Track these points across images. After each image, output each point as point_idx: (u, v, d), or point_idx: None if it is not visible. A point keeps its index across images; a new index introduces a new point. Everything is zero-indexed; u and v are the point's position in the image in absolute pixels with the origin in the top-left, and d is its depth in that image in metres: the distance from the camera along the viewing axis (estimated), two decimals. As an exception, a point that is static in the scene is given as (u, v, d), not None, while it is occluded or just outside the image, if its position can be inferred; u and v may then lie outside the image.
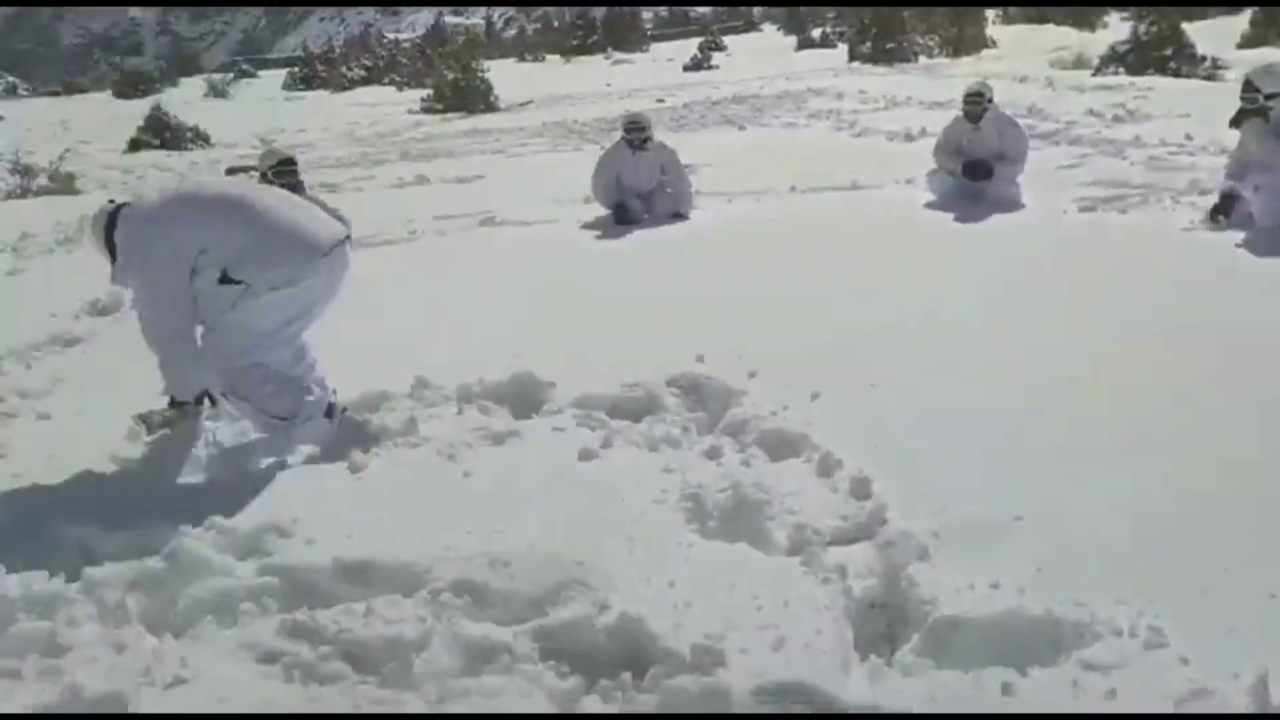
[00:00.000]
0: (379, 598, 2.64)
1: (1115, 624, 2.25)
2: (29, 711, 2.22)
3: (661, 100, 21.41)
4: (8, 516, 3.33)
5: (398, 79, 39.83)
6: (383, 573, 2.77)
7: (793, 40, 49.00)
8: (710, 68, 35.22)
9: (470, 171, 12.25)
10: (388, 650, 2.42)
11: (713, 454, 3.57)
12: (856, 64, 31.02)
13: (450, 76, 27.34)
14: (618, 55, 46.99)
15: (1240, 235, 6.16)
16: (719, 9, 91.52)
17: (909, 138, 11.93)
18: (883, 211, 7.96)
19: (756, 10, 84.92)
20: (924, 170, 8.44)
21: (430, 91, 27.87)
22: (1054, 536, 2.68)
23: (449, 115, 24.74)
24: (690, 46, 43.59)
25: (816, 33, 47.92)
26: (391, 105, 29.95)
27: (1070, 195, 7.89)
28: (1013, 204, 7.76)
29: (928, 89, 18.27)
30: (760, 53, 42.06)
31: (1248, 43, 25.95)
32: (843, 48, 37.21)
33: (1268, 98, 6.38)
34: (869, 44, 32.94)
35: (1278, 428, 3.36)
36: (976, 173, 7.90)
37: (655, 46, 55.34)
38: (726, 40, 49.99)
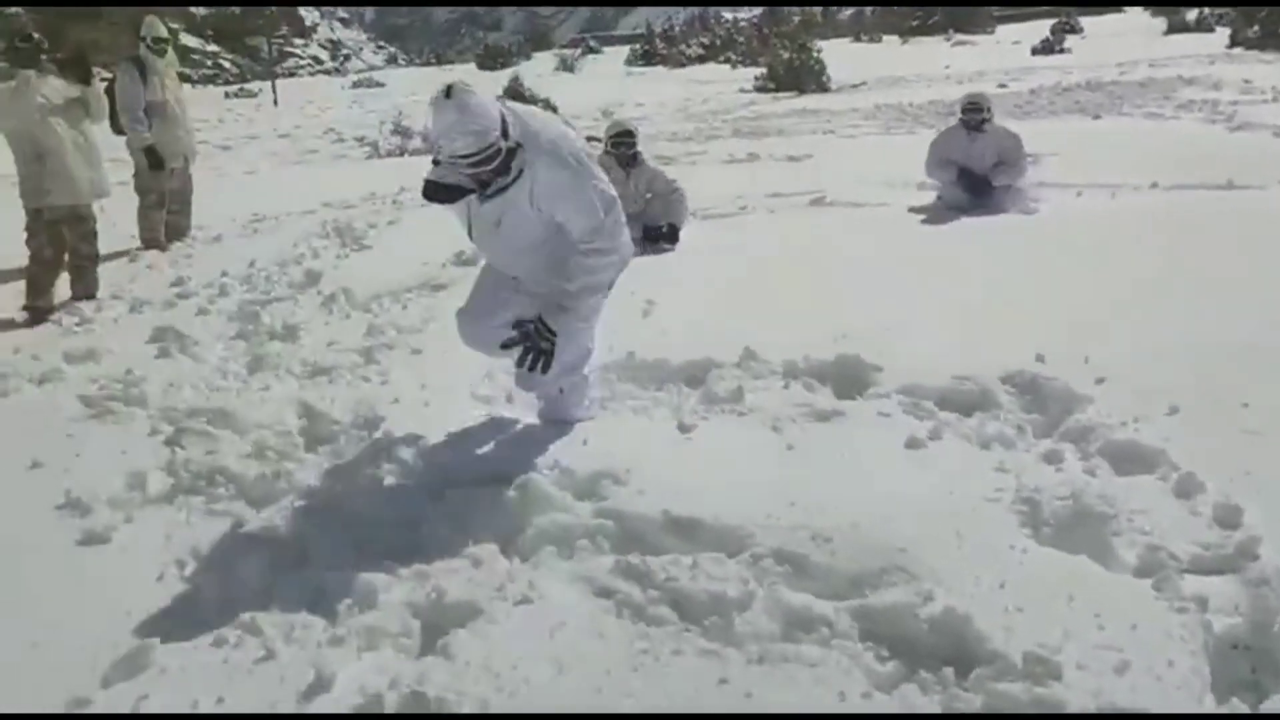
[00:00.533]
0: (704, 554, 2.74)
1: None
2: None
3: (1004, 85, 20.27)
4: (386, 438, 3.77)
5: (733, 57, 40.49)
6: (709, 531, 2.87)
7: (1162, 23, 44.48)
8: (1062, 51, 32.83)
9: (800, 151, 12.23)
10: (712, 604, 2.51)
11: (1051, 459, 3.36)
12: (1239, 50, 27.66)
13: (784, 56, 27.38)
14: (959, 37, 44.92)
15: None
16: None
17: (1303, 132, 10.52)
18: (1262, 213, 7.07)
19: (1121, -11, 77.88)
20: (1319, 170, 7.41)
21: (764, 70, 28.07)
22: None
23: (781, 94, 24.82)
24: (1042, 29, 40.78)
25: (1191, 15, 43.22)
26: (725, 83, 30.52)
27: None
28: None
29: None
30: (1122, 36, 38.63)
31: None
32: (1222, 32, 33.33)
33: None
34: (1256, 27, 29.26)
35: None
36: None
37: (1001, 29, 52.27)
38: (1084, 22, 46.25)
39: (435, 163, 3.34)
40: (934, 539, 2.76)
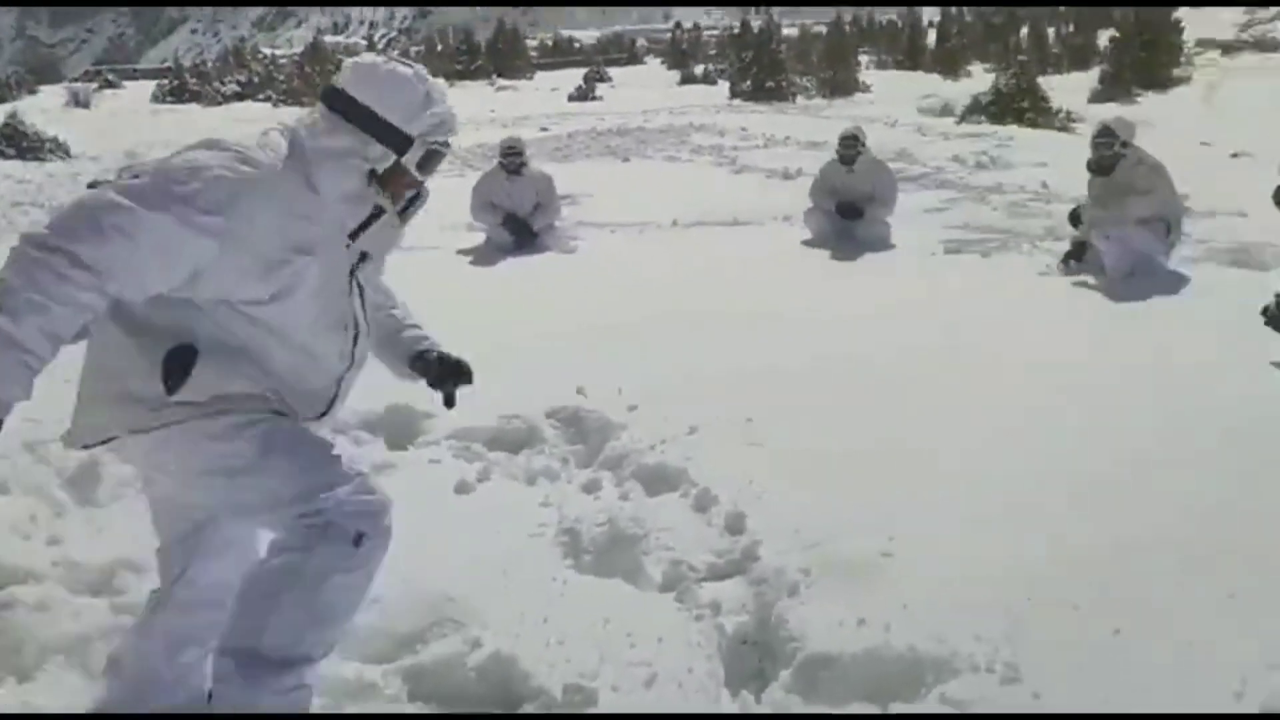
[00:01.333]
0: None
1: (974, 660, 2.33)
2: None
3: (545, 129, 21.48)
4: None
5: (274, 96, 38.84)
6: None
7: (676, 75, 49.90)
8: (595, 99, 35.52)
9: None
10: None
11: (590, 488, 3.57)
12: (737, 101, 31.75)
13: (329, 96, 26.75)
14: (502, 82, 46.97)
15: (1092, 280, 6.55)
16: (603, 39, 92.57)
17: (787, 176, 12.27)
18: (763, 248, 8.14)
19: (640, 43, 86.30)
20: (801, 208, 8.67)
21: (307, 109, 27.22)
22: (921, 572, 2.76)
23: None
24: (576, 76, 43.89)
25: (699, 69, 48.94)
26: (268, 121, 29.06)
27: (937, 237, 8.24)
28: (883, 244, 8.07)
29: (806, 129, 18.85)
30: (645, 86, 42.67)
31: (1096, 98, 27.69)
32: (724, 85, 38.07)
33: (1123, 145, 6.75)
34: (749, 82, 33.81)
35: (1140, 469, 3.51)
36: (849, 213, 8.18)
37: (541, 75, 55.55)
38: (612, 72, 50.50)
39: None
40: (482, 583, 2.80)
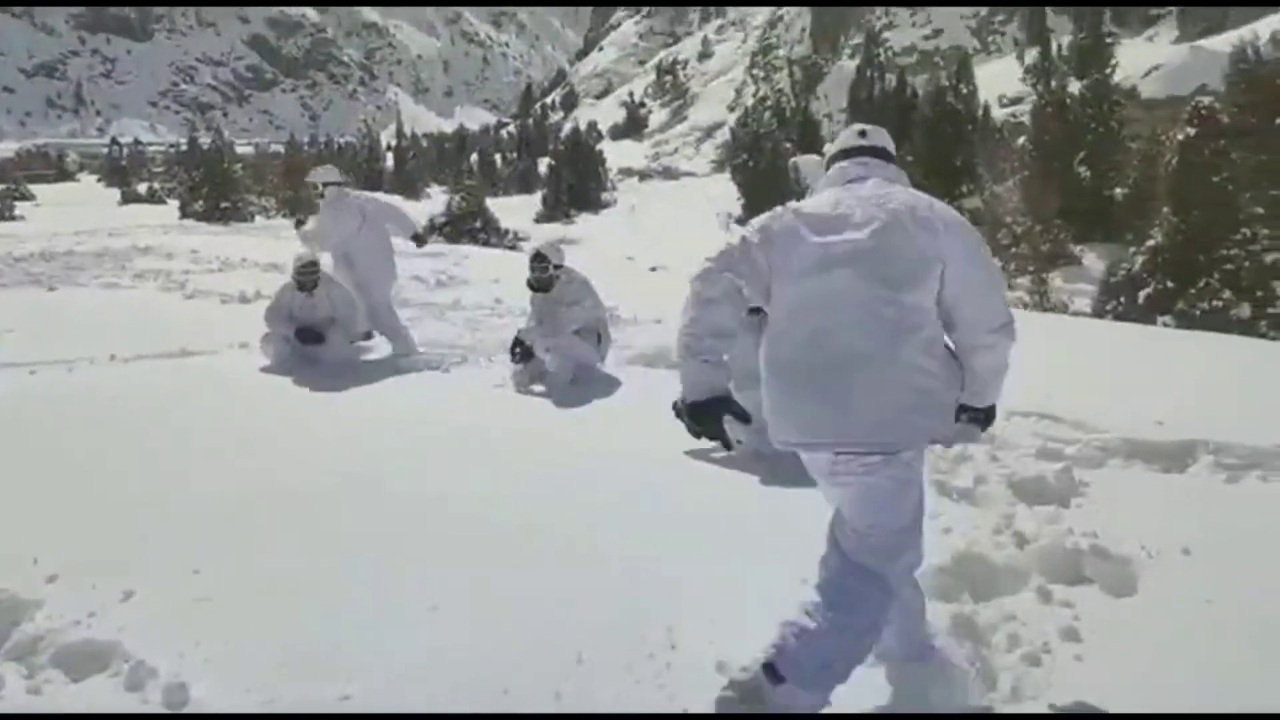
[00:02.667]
0: None
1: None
2: None
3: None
4: None
5: None
6: None
7: (116, 193, 45.84)
8: (14, 218, 31.28)
9: None
10: None
11: (-11, 687, 2.97)
12: (189, 221, 29.97)
13: None
14: (-115, 200, 39.46)
15: (539, 388, 7.09)
16: (23, 152, 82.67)
17: (245, 300, 11.73)
18: (213, 378, 7.63)
19: (72, 158, 78.25)
20: (259, 334, 8.31)
21: None
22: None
23: None
24: (-13, 194, 38.37)
25: (143, 187, 45.50)
26: None
27: (401, 355, 8.38)
28: (348, 365, 8.01)
29: (266, 250, 18.28)
30: (78, 205, 38.50)
31: (540, 218, 30.63)
32: (173, 204, 35.81)
33: (556, 268, 7.48)
34: (202, 202, 32.19)
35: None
36: (308, 337, 8.02)
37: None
38: (36, 190, 44.95)
39: None
40: None
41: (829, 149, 3.17)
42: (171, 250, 18.27)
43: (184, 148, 45.92)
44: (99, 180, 60.14)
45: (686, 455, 5.29)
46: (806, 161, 44.40)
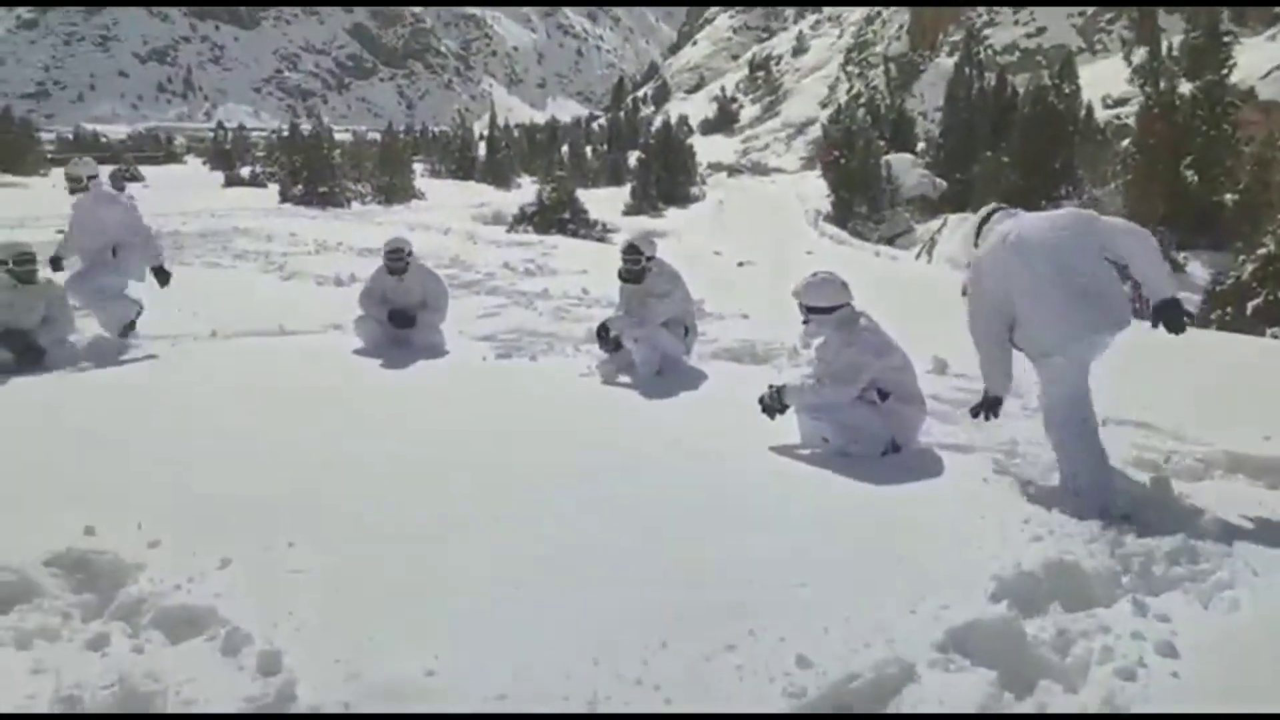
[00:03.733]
0: None
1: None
2: None
3: (61, 231, 19.18)
4: None
5: None
6: None
7: (220, 176, 47.38)
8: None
9: None
10: None
11: (97, 644, 3.11)
12: (288, 205, 30.83)
13: None
14: (8, 178, 41.43)
15: (626, 378, 7.11)
16: (135, 135, 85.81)
17: (339, 283, 12.04)
18: (310, 358, 7.84)
19: (179, 141, 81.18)
20: (352, 316, 8.51)
21: None
22: (469, 690, 2.73)
23: None
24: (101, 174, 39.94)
25: (246, 171, 46.94)
26: None
27: (489, 343, 8.50)
28: (437, 350, 8.15)
29: (359, 235, 18.74)
30: (184, 187, 39.92)
31: (629, 210, 30.70)
32: (274, 188, 36.86)
33: (648, 260, 7.49)
34: (300, 186, 33.05)
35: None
36: (400, 321, 8.18)
37: (57, 171, 49.82)
38: (146, 171, 46.75)
39: None
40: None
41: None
42: (271, 232, 18.86)
43: (285, 133, 47.23)
44: (204, 163, 62.20)
45: (772, 451, 5.25)
46: (899, 160, 43.65)
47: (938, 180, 43.87)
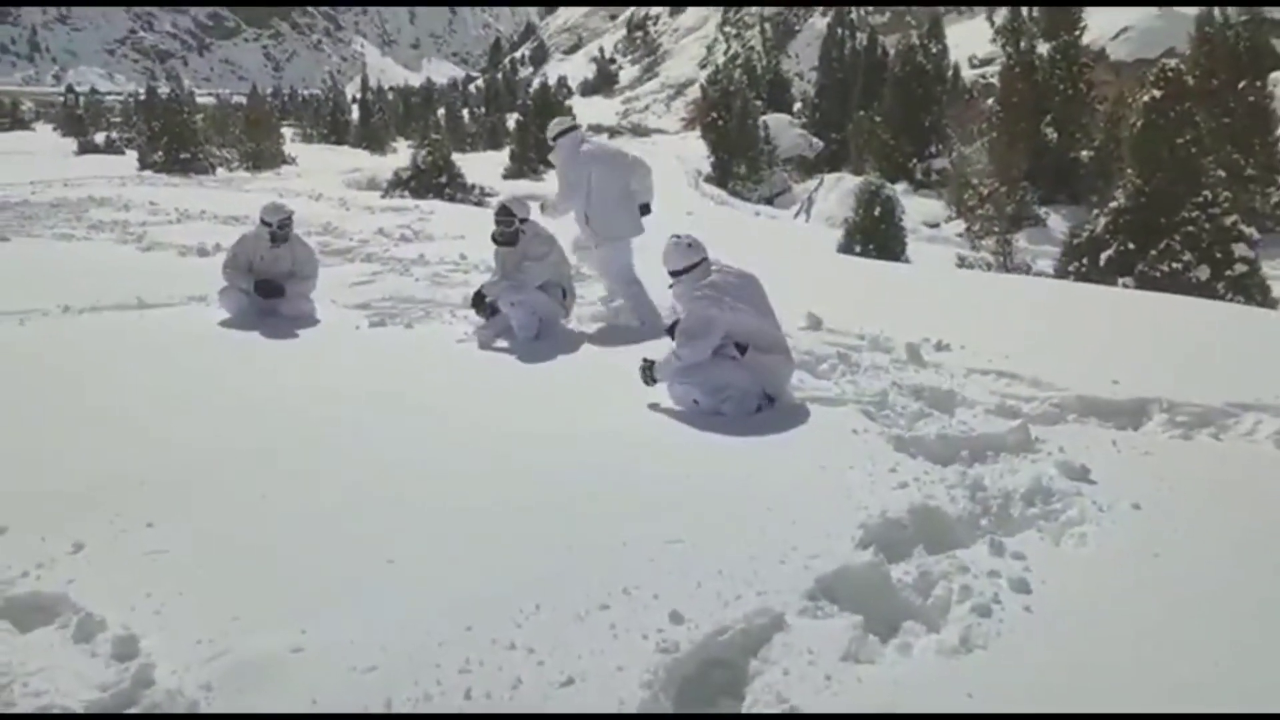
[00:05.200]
0: None
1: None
2: None
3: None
4: None
5: None
6: None
7: (73, 143, 44.72)
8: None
9: None
10: None
11: (-63, 640, 2.93)
12: (148, 173, 29.34)
13: None
14: None
15: (504, 343, 7.04)
16: None
17: (203, 253, 11.52)
18: (168, 331, 7.51)
19: (27, 106, 76.37)
20: (216, 287, 8.17)
21: None
22: (334, 662, 2.68)
23: None
24: (-63, 142, 37.30)
25: (101, 137, 44.43)
26: None
27: (363, 310, 8.28)
28: (308, 319, 7.91)
29: (224, 202, 17.97)
30: (34, 155, 37.53)
31: (509, 174, 30.28)
32: (132, 155, 35.02)
33: (522, 222, 7.40)
34: (161, 153, 31.49)
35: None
36: (269, 291, 7.90)
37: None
38: (-12, 138, 43.82)
39: None
40: None
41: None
42: (129, 201, 17.90)
43: (142, 97, 44.84)
44: (55, 129, 58.55)
45: (651, 409, 5.29)
46: (776, 121, 44.23)
47: (814, 140, 44.66)
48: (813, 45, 66.76)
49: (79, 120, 56.78)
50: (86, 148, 42.21)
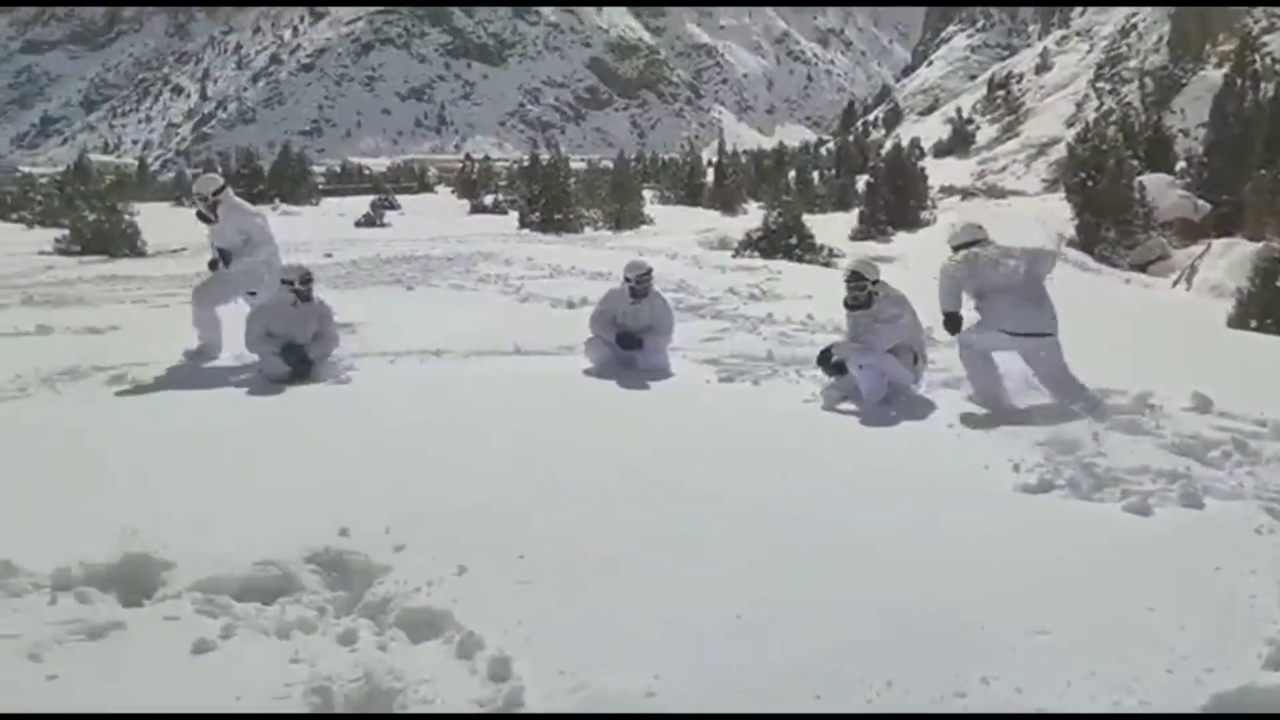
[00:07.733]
0: None
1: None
2: None
3: (329, 255, 21.04)
4: None
5: (28, 216, 36.15)
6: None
7: (465, 204, 50.44)
8: (383, 225, 35.24)
9: (104, 322, 11.20)
10: None
11: (347, 639, 3.34)
12: (526, 231, 32.34)
13: (90, 217, 25.21)
14: (285, 207, 45.87)
15: (851, 405, 6.95)
16: (393, 167, 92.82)
17: (571, 305, 12.47)
18: (544, 376, 8.16)
19: (432, 172, 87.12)
20: (583, 338, 8.80)
21: (68, 231, 25.50)
22: (687, 704, 2.73)
23: (87, 258, 22.72)
24: (363, 203, 43.54)
25: (489, 199, 49.72)
26: (19, 244, 27.06)
27: (713, 366, 8.55)
28: (662, 372, 8.28)
29: (591, 259, 19.38)
30: (433, 213, 42.81)
31: (856, 235, 30.08)
32: (513, 214, 38.80)
33: (874, 284, 7.33)
34: (538, 213, 34.59)
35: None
36: (628, 343, 8.38)
37: (327, 201, 54.82)
38: (402, 199, 50.50)
39: None
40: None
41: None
42: (510, 257, 19.82)
43: (525, 163, 49.73)
44: (452, 192, 66.49)
45: (1012, 491, 4.98)
46: (1155, 181, 40.50)
47: (1199, 202, 40.32)
48: (1202, 99, 60.65)
49: (472, 184, 64.02)
50: (476, 208, 47.44)
